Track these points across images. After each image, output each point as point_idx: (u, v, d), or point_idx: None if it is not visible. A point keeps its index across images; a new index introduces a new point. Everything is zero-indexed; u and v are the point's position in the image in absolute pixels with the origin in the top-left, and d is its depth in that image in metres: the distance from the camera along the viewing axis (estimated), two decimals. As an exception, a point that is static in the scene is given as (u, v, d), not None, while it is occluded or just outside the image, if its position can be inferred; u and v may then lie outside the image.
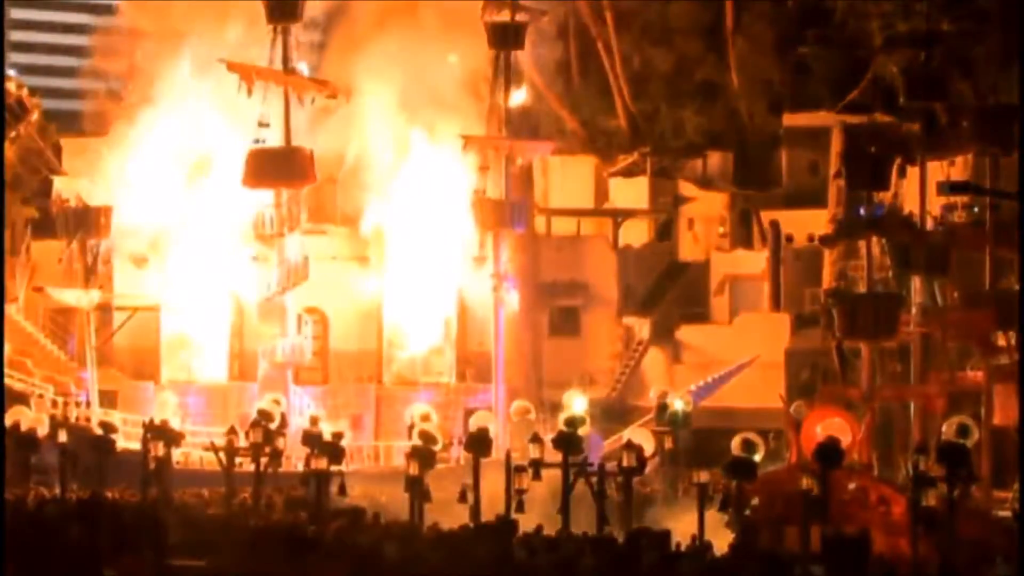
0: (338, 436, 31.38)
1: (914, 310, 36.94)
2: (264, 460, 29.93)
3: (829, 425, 26.12)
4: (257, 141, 41.67)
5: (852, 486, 26.38)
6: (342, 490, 29.12)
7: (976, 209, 39.00)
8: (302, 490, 30.22)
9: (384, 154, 44.91)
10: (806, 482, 23.49)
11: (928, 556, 22.47)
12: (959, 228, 37.88)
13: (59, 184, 44.91)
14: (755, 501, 26.11)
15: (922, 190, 38.11)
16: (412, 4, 45.23)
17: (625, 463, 27.71)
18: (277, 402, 37.38)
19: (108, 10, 65.70)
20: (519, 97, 45.00)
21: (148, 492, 28.13)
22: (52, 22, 67.55)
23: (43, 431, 31.79)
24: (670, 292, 49.60)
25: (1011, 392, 32.68)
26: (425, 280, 43.64)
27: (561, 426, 33.29)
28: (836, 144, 45.75)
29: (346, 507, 28.21)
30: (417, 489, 27.05)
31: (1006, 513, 28.86)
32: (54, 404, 39.25)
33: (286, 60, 41.95)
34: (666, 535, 24.88)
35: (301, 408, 40.21)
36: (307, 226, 43.10)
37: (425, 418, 33.33)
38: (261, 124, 41.75)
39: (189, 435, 36.13)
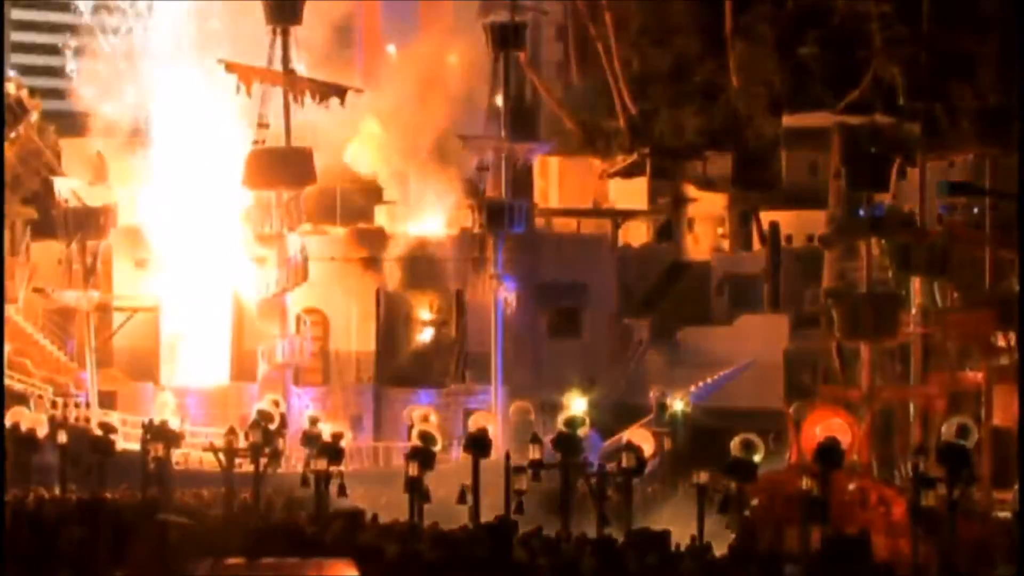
0: (337, 437, 31.46)
1: (914, 311, 36.88)
2: (263, 461, 29.98)
3: (829, 426, 26.06)
4: (256, 142, 41.67)
5: (852, 487, 26.36)
6: (342, 491, 29.18)
7: (976, 210, 38.99)
8: (302, 491, 30.31)
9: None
10: (806, 483, 23.46)
11: (928, 557, 22.46)
12: (959, 228, 37.86)
13: (59, 185, 44.87)
14: (755, 502, 26.10)
15: (922, 190, 38.11)
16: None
17: (624, 464, 27.70)
18: (276, 403, 37.49)
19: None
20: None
21: (148, 493, 28.17)
22: (52, 23, 67.41)
23: (42, 432, 31.80)
24: (670, 293, 49.61)
25: (1011, 392, 32.60)
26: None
27: (560, 427, 33.38)
28: (836, 145, 45.77)
29: (346, 508, 28.32)
30: (417, 490, 27.05)
31: (1006, 514, 28.84)
32: (53, 405, 39.23)
33: (286, 61, 41.95)
34: (665, 536, 24.88)
35: (300, 409, 40.24)
36: (307, 227, 43.15)
37: (424, 418, 33.36)
38: (260, 125, 41.76)
39: (188, 436, 36.26)
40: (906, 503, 24.19)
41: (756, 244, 50.72)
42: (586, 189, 54.39)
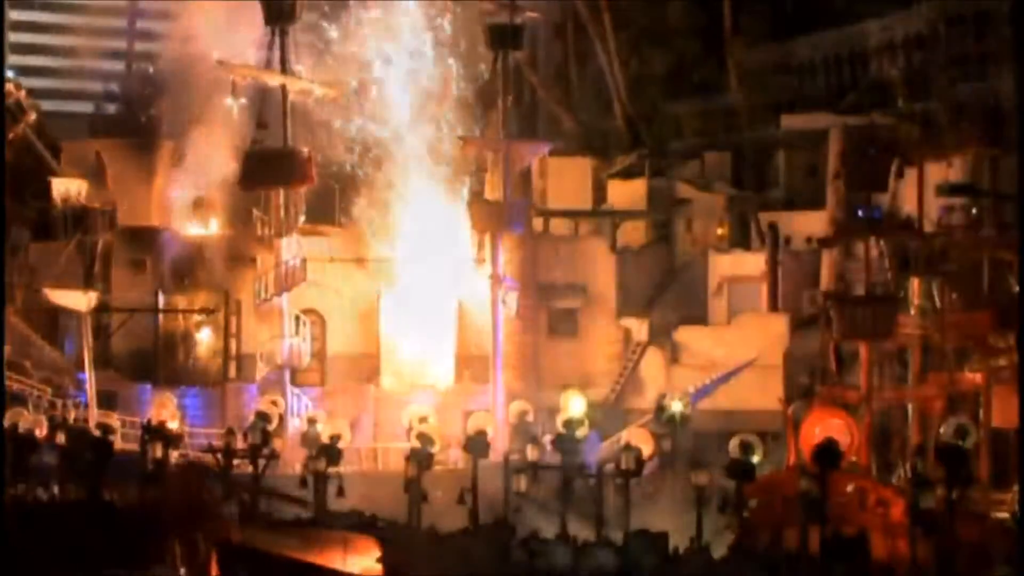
0: (336, 438, 31.45)
1: (912, 312, 36.86)
2: (262, 462, 30.02)
3: (828, 426, 26.08)
4: (254, 142, 41.60)
5: (851, 488, 26.35)
6: (340, 492, 29.15)
7: (975, 210, 38.95)
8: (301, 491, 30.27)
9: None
10: (805, 484, 23.48)
11: (927, 557, 22.45)
12: (958, 229, 37.82)
13: (57, 185, 44.81)
14: (753, 503, 26.09)
15: (920, 191, 38.06)
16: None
17: (623, 465, 27.72)
18: (275, 403, 37.41)
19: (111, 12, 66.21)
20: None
21: (147, 492, 28.22)
22: (52, 23, 67.40)
23: (41, 432, 31.78)
24: (668, 293, 49.47)
25: (1010, 394, 32.53)
26: (424, 282, 43.57)
27: (559, 428, 33.29)
28: (834, 145, 45.70)
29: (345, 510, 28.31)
30: (415, 491, 27.08)
31: (1005, 515, 28.82)
32: (52, 405, 39.10)
33: (284, 61, 41.89)
34: (664, 537, 24.83)
35: (299, 410, 40.15)
36: (305, 227, 43.04)
37: (423, 420, 33.32)
38: (259, 125, 41.70)
39: (187, 436, 36.19)
40: (905, 503, 24.22)
41: (754, 245, 50.60)
42: (584, 190, 54.26)
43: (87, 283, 41.55)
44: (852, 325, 34.71)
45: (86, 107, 62.49)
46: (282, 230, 41.33)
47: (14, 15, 58.54)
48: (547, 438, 33.12)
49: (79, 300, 40.87)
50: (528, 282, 44.50)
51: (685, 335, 46.46)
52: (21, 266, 43.76)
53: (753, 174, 55.06)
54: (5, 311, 37.82)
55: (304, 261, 41.29)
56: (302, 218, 42.43)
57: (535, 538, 25.02)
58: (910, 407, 36.62)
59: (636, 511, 27.15)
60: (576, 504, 28.69)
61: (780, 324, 45.32)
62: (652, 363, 45.78)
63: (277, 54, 41.75)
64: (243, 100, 42.05)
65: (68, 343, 43.76)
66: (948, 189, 38.92)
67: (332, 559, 25.72)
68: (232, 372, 43.64)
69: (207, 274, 43.82)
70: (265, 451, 30.16)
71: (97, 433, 31.73)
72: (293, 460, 34.26)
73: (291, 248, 41.33)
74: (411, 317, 43.58)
